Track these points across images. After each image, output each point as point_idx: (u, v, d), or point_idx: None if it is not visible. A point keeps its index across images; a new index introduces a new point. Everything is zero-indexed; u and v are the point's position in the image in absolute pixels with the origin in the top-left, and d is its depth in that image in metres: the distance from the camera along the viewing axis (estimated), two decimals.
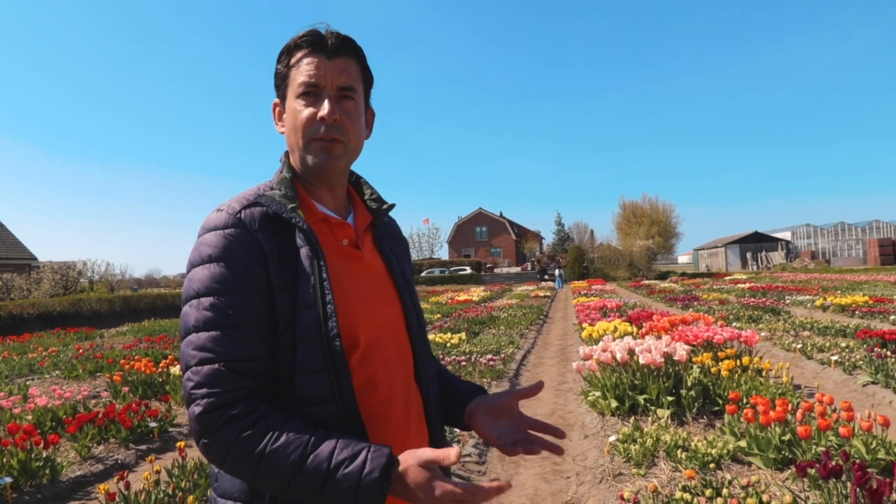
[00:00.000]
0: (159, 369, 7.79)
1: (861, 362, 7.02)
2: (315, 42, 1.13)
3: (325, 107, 1.11)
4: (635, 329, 8.72)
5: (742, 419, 4.38)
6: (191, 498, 3.45)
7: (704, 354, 6.08)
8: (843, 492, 3.10)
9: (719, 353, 6.32)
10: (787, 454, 3.98)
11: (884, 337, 8.00)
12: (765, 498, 3.06)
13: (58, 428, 5.61)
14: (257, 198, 1.11)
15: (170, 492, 3.65)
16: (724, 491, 3.11)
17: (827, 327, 10.28)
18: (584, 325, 10.68)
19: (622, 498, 3.04)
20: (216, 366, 1.00)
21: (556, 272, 39.21)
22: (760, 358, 6.61)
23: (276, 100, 1.21)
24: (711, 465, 3.95)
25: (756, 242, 59.15)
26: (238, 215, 1.08)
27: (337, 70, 1.13)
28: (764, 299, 16.82)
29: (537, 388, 1.22)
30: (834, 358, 7.38)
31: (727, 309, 14.41)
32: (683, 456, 4.04)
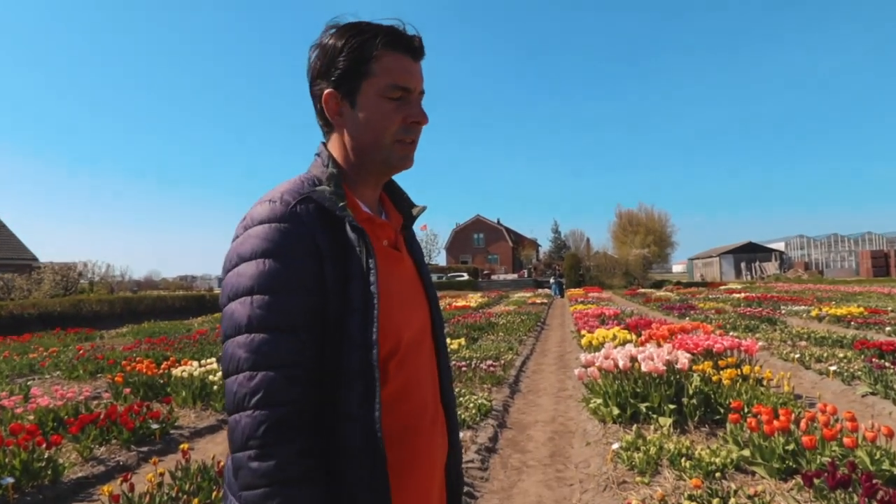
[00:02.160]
0: (161, 371, 7.72)
1: (860, 373, 6.99)
2: (405, 43, 1.09)
3: (421, 112, 1.11)
4: (634, 337, 8.69)
5: (745, 428, 4.35)
6: (195, 501, 3.40)
7: (705, 363, 6.06)
8: (850, 502, 3.07)
9: (720, 362, 6.29)
10: (791, 464, 3.95)
11: (881, 348, 7.99)
12: None
13: (59, 428, 5.54)
14: (310, 192, 1.05)
15: (174, 494, 3.60)
16: (731, 500, 3.08)
17: (824, 338, 10.25)
18: (583, 332, 10.65)
19: None
20: (270, 372, 0.93)
21: (552, 280, 38.84)
22: (760, 367, 6.59)
23: (331, 90, 1.10)
24: (716, 474, 3.90)
25: (750, 252, 59.24)
26: (294, 209, 1.01)
27: (420, 74, 1.11)
28: (760, 309, 16.80)
29: None
30: (832, 368, 7.35)
31: (724, 318, 14.38)
32: (687, 464, 4.00)
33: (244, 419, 0.93)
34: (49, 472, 4.41)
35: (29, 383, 8.27)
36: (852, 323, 12.79)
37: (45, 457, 4.47)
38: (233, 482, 1.01)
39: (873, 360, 7.33)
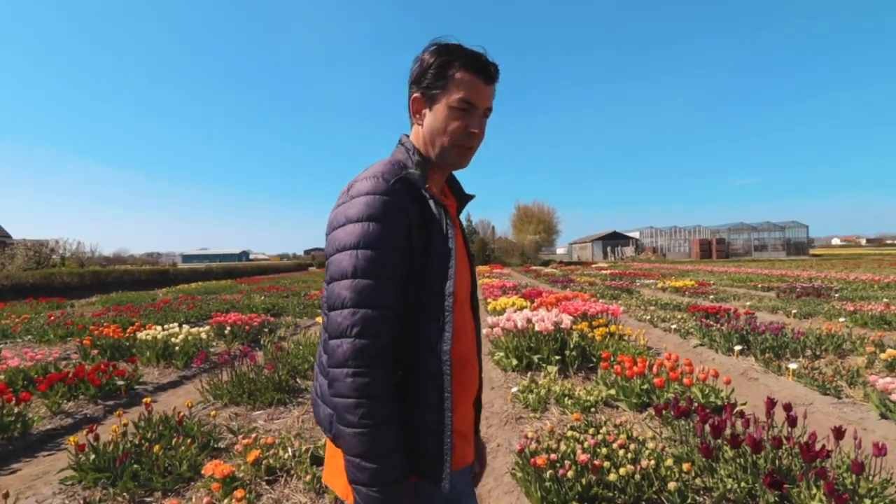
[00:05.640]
0: (127, 334, 7.11)
1: (692, 329, 7.49)
2: (480, 67, 1.11)
3: (478, 125, 1.13)
4: (529, 304, 8.89)
5: (612, 373, 4.53)
6: (157, 447, 3.13)
7: (583, 323, 6.27)
8: (688, 427, 3.25)
9: (593, 323, 6.53)
10: (646, 399, 4.15)
11: (707, 311, 8.60)
12: (633, 434, 3.15)
13: (29, 386, 4.99)
14: (406, 174, 1.07)
15: (136, 442, 3.30)
16: (603, 429, 3.18)
17: (667, 304, 10.92)
18: (489, 300, 10.79)
19: (526, 436, 3.03)
20: (370, 311, 0.98)
21: None
22: (622, 326, 6.91)
23: (418, 94, 1.15)
24: (591, 409, 4.04)
25: (614, 239, 62.42)
26: (393, 185, 1.04)
27: (489, 95, 1.14)
28: (621, 282, 17.71)
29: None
30: (673, 326, 7.83)
31: (595, 289, 15.04)
32: (569, 402, 4.12)
33: (345, 344, 0.98)
34: (18, 426, 3.95)
35: (0, 347, 7.39)
36: (687, 292, 13.71)
37: (15, 412, 4.00)
38: (325, 382, 1.06)
39: (702, 319, 7.88)
